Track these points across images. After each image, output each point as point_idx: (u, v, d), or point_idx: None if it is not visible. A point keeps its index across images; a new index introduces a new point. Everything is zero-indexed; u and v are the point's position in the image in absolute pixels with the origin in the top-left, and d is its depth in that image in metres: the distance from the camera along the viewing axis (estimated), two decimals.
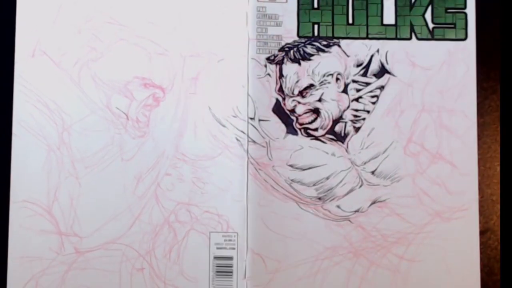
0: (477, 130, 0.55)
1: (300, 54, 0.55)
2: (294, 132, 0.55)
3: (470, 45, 0.55)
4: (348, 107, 0.55)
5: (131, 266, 0.54)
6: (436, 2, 0.56)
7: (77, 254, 0.54)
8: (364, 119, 0.55)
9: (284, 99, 0.55)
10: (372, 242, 0.54)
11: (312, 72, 0.55)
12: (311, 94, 0.55)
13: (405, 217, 0.54)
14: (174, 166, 0.54)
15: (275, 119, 0.55)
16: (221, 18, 0.55)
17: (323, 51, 0.55)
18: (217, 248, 0.54)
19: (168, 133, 0.55)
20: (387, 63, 0.55)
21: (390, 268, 0.54)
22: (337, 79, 0.55)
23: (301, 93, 0.55)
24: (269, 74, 0.55)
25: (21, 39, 0.55)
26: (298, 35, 0.55)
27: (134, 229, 0.54)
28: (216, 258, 0.54)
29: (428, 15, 0.56)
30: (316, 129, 0.55)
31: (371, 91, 0.55)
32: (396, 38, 0.55)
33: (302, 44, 0.55)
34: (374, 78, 0.55)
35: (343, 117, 0.55)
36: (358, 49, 0.55)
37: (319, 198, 0.54)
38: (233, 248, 0.54)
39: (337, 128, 0.55)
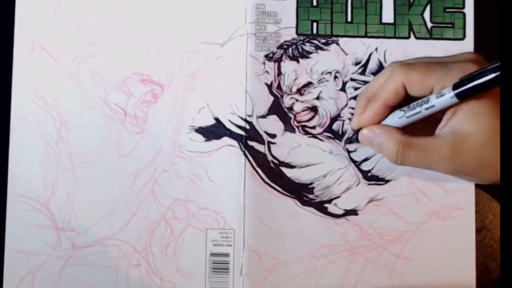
0: None
1: (298, 51, 0.55)
2: (292, 130, 0.55)
3: (468, 44, 0.55)
4: (346, 105, 0.55)
5: (127, 262, 0.54)
6: (435, 1, 0.56)
7: (73, 249, 0.54)
8: None
9: (282, 96, 0.55)
10: (368, 241, 0.54)
11: (311, 70, 0.55)
12: (309, 92, 0.55)
13: (401, 216, 0.55)
14: (171, 162, 0.54)
15: (272, 117, 0.55)
16: (220, 14, 0.55)
17: (322, 49, 0.55)
18: (214, 245, 0.54)
19: (166, 129, 0.55)
20: (385, 61, 0.55)
21: (386, 266, 0.54)
22: (335, 77, 0.55)
23: (299, 91, 0.55)
24: (267, 72, 0.55)
25: (20, 34, 0.55)
26: (297, 32, 0.55)
27: (131, 225, 0.54)
28: (212, 254, 0.54)
29: (426, 14, 0.56)
30: (313, 127, 0.55)
31: None
32: (394, 37, 0.55)
33: (301, 42, 0.55)
34: (372, 77, 0.55)
35: (341, 115, 0.55)
36: (357, 47, 0.55)
37: (316, 196, 0.55)
38: (230, 245, 0.54)
39: (335, 126, 0.55)
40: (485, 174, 0.46)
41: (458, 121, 0.45)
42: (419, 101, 0.47)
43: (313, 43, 0.55)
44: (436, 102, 0.45)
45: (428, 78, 0.46)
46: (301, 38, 0.55)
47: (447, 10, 0.56)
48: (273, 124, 0.55)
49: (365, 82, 0.55)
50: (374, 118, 0.49)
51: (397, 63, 0.49)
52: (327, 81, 0.55)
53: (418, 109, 0.46)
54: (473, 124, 0.45)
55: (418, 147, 0.47)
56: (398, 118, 0.48)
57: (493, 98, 0.44)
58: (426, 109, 0.46)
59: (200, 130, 0.55)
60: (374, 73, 0.55)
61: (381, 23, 0.55)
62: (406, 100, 0.48)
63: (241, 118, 0.55)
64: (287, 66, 0.55)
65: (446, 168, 0.46)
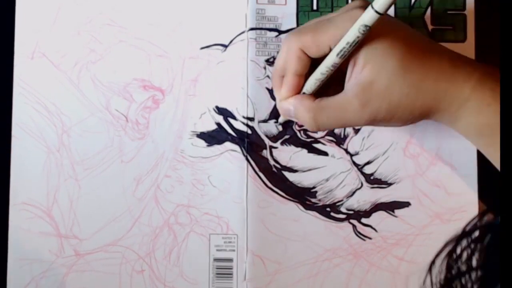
0: None
1: None
2: (294, 134, 0.55)
3: (469, 46, 0.55)
4: None
5: (131, 268, 0.54)
6: (436, 3, 0.56)
7: (76, 257, 0.54)
8: None
9: None
10: (372, 244, 0.54)
11: None
12: None
13: (404, 219, 0.54)
14: (173, 168, 0.54)
15: (274, 121, 0.55)
16: (220, 20, 0.55)
17: None
18: (217, 250, 0.54)
19: (168, 135, 0.54)
20: None
21: (390, 269, 0.54)
22: None
23: None
24: (268, 76, 0.55)
25: (20, 41, 0.55)
26: None
27: (134, 231, 0.54)
28: (216, 260, 0.54)
29: (427, 17, 0.56)
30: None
31: None
32: None
33: None
34: None
35: None
36: None
37: (319, 200, 0.54)
38: (233, 250, 0.54)
39: (337, 129, 0.55)
40: (401, 115, 0.44)
41: (358, 70, 0.44)
42: (323, 61, 0.45)
43: None
44: (333, 58, 0.44)
45: (319, 36, 0.44)
46: None
47: (448, 12, 0.56)
48: (275, 128, 0.55)
49: None
50: (291, 91, 0.47)
51: (289, 33, 0.48)
52: None
53: (323, 68, 0.45)
54: (371, 69, 0.43)
55: (329, 107, 0.45)
56: (313, 83, 0.47)
57: (383, 38, 0.43)
58: (332, 67, 0.44)
59: (202, 136, 0.55)
60: None
61: None
62: (316, 62, 0.46)
63: (243, 123, 0.54)
64: None
65: (360, 120, 0.45)
